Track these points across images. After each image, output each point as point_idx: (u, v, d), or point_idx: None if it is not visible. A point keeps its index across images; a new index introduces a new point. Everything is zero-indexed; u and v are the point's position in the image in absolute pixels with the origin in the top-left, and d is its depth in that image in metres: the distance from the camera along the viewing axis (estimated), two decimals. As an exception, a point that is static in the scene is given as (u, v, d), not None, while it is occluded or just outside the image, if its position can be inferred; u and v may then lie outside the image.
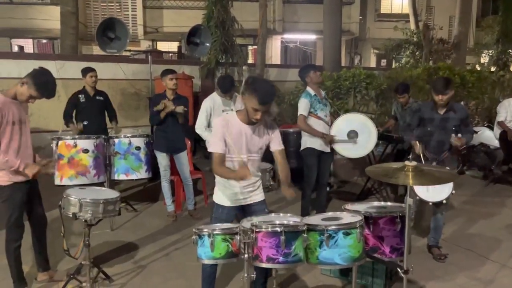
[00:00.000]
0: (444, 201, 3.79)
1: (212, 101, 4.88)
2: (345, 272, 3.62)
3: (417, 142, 4.07)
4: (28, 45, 15.53)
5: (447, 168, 3.17)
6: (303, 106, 4.63)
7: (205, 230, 2.36)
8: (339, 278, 3.64)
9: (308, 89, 4.72)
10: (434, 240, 4.14)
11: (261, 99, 2.61)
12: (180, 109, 4.85)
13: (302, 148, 4.81)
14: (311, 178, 4.81)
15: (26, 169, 3.11)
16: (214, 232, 2.31)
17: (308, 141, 4.73)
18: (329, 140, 4.64)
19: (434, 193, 3.75)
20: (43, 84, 3.08)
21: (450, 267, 3.87)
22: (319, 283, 3.59)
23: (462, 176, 6.95)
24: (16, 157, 3.12)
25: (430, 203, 3.85)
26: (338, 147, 4.75)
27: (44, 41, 16.10)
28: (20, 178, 3.17)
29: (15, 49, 15.18)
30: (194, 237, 2.38)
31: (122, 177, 4.90)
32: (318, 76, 4.71)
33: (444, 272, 3.78)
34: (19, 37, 15.35)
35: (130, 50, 8.84)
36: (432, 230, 4.13)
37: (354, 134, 4.71)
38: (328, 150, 4.75)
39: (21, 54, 10.48)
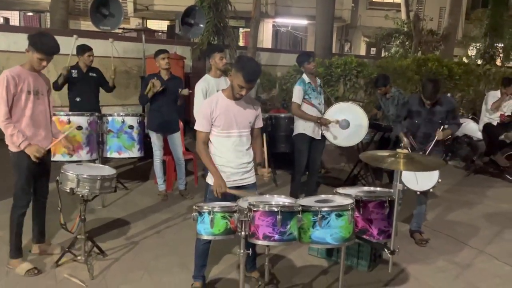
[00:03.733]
0: (431, 190, 3.95)
1: (206, 83, 4.89)
2: (331, 253, 3.78)
3: (404, 134, 4.22)
4: (14, 18, 15.21)
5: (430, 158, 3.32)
6: (296, 94, 4.75)
7: (206, 207, 2.45)
8: (325, 258, 3.80)
9: (304, 76, 4.82)
10: (417, 225, 4.31)
11: (247, 77, 2.76)
12: (185, 92, 4.94)
13: (294, 133, 4.92)
14: (301, 162, 4.93)
15: (26, 148, 3.19)
16: (215, 210, 2.41)
17: (300, 127, 4.83)
18: (324, 123, 4.73)
19: (422, 183, 3.90)
20: (36, 40, 3.13)
21: (430, 251, 4.06)
22: (306, 263, 3.73)
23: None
24: (28, 124, 3.24)
25: (418, 193, 4.00)
26: (328, 135, 4.86)
27: (30, 13, 15.74)
28: None
29: (1, 20, 14.82)
30: (194, 214, 2.47)
31: (115, 155, 4.95)
32: (311, 67, 4.78)
33: (425, 255, 3.96)
34: (4, 8, 14.97)
35: (124, 28, 8.73)
36: (415, 216, 4.31)
37: (346, 123, 4.82)
38: (319, 137, 4.86)
39: (9, 27, 10.27)
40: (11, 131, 3.14)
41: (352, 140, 4.89)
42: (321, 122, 4.73)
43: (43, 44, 3.15)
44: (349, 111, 4.86)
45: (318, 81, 4.95)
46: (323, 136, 4.87)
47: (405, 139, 4.20)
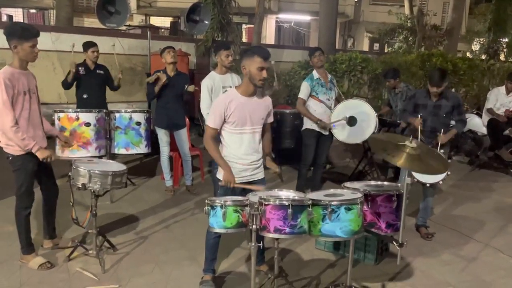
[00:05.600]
0: (441, 182, 3.99)
1: (212, 80, 4.91)
2: (338, 247, 3.83)
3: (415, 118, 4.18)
4: (18, 15, 15.24)
5: (441, 151, 3.35)
6: (302, 90, 4.83)
7: (218, 201, 2.49)
8: (332, 252, 3.84)
9: (314, 72, 4.87)
10: (423, 220, 4.36)
11: (263, 54, 2.87)
12: (191, 88, 4.99)
13: (303, 128, 5.00)
14: (308, 157, 4.98)
15: (38, 151, 3.16)
16: (227, 203, 2.45)
17: (308, 122, 4.90)
18: (322, 126, 4.78)
19: (431, 175, 3.92)
20: (18, 31, 3.07)
21: (436, 245, 4.10)
22: (313, 257, 3.78)
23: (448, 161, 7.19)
24: (27, 125, 3.19)
25: (428, 185, 4.03)
26: (336, 132, 4.87)
27: (34, 11, 15.78)
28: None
29: (4, 18, 14.87)
30: (206, 207, 2.51)
31: (122, 151, 4.97)
32: (317, 60, 4.82)
33: (431, 249, 4.01)
34: (8, 6, 15.02)
35: (129, 25, 8.77)
36: (421, 211, 4.35)
37: (353, 120, 4.81)
38: (326, 133, 4.91)
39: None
40: (21, 135, 3.08)
41: (359, 137, 4.86)
42: (320, 125, 4.77)
43: (26, 29, 3.09)
44: (356, 108, 4.84)
45: (329, 76, 4.97)
46: (331, 132, 4.90)
47: (416, 121, 4.15)
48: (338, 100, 5.04)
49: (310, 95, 4.80)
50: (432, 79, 4.13)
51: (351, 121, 4.81)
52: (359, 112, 4.83)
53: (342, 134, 4.87)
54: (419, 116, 4.12)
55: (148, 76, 6.22)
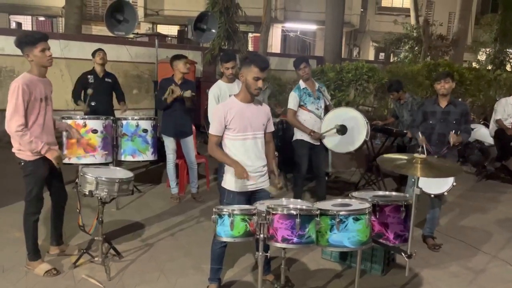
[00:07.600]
0: (446, 193, 3.96)
1: (218, 88, 4.92)
2: (344, 257, 3.80)
3: (421, 135, 4.20)
4: (27, 22, 15.40)
5: (449, 162, 3.33)
6: (291, 100, 4.73)
7: (225, 209, 2.49)
8: (338, 262, 3.81)
9: (300, 82, 4.80)
10: (430, 230, 4.32)
11: (260, 65, 2.90)
12: (188, 93, 4.95)
13: (293, 139, 4.90)
14: (302, 167, 4.88)
15: (47, 153, 3.19)
16: (234, 212, 2.45)
17: (298, 133, 4.83)
18: (316, 137, 4.72)
19: (437, 185, 3.91)
20: (26, 38, 3.13)
21: (443, 256, 4.07)
22: (319, 266, 3.75)
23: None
24: (41, 132, 3.22)
25: (432, 195, 4.01)
26: (326, 141, 4.79)
27: (42, 18, 15.95)
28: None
29: (13, 25, 15.04)
30: (214, 216, 2.51)
31: (129, 158, 4.97)
32: (302, 73, 4.72)
33: (438, 260, 3.97)
34: (17, 13, 15.20)
35: (137, 33, 8.87)
36: (428, 221, 4.31)
37: (343, 129, 4.68)
38: (318, 143, 4.82)
39: (22, 32, 10.41)
40: (28, 138, 3.10)
41: (350, 146, 4.72)
42: (314, 137, 4.70)
43: (33, 35, 3.15)
44: (346, 116, 4.73)
45: (317, 85, 4.88)
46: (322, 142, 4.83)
47: (422, 138, 4.17)
48: (328, 109, 4.93)
49: (299, 106, 4.73)
50: (437, 76, 4.22)
51: (342, 130, 4.67)
52: (348, 120, 4.69)
53: (332, 143, 4.77)
54: (426, 126, 4.14)
55: (156, 84, 6.28)
